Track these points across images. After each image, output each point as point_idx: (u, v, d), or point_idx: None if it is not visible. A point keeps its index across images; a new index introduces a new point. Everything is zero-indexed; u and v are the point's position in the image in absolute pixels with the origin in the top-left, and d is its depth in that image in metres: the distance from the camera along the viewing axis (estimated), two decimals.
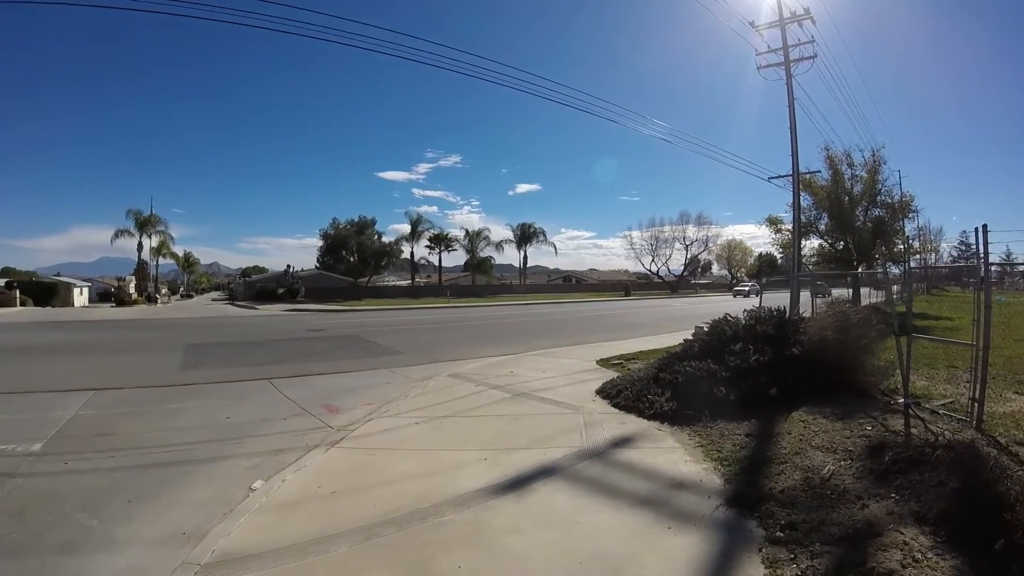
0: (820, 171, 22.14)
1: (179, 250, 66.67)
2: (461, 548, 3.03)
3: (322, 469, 4.41)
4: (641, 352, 10.52)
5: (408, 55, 10.81)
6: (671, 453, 4.60)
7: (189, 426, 5.88)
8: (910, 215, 27.38)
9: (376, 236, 55.26)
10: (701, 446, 4.72)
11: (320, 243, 58.21)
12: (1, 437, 5.32)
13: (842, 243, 23.80)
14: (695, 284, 76.52)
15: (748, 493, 3.63)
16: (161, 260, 60.07)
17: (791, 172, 16.03)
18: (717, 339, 6.86)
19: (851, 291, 18.85)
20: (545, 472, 4.20)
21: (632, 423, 5.60)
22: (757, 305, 8.09)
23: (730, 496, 3.63)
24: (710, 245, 74.84)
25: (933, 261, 49.30)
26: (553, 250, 77.71)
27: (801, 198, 17.59)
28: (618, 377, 7.48)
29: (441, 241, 62.64)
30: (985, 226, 4.77)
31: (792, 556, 2.86)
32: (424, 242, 61.78)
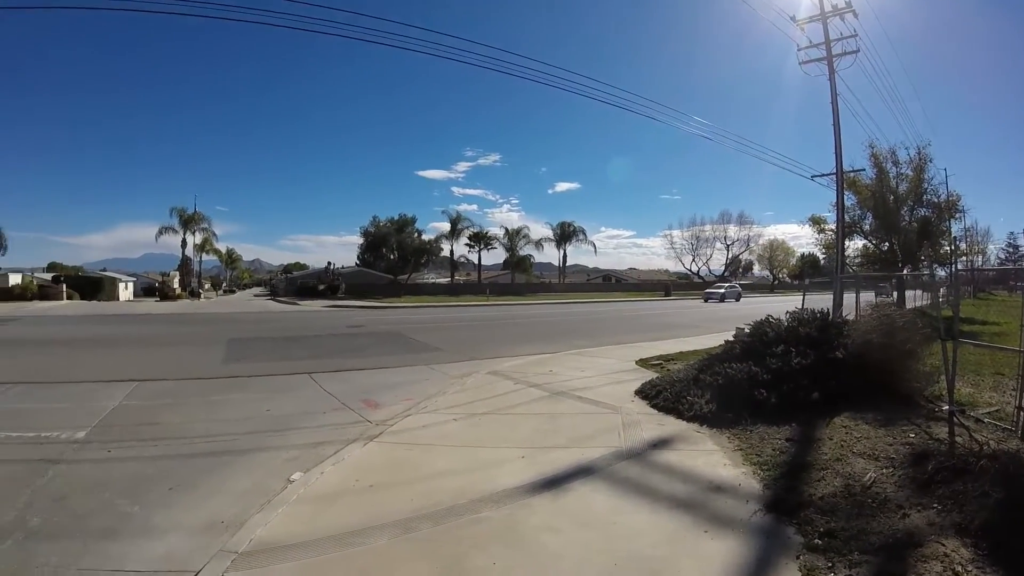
0: (864, 169, 21.34)
1: (222, 247, 69.24)
2: (496, 545, 3.06)
3: (360, 463, 4.51)
4: (681, 353, 10.41)
5: (459, 56, 10.82)
6: (710, 456, 4.54)
7: (230, 418, 6.07)
8: (957, 215, 26.14)
9: (416, 234, 55.53)
10: (740, 449, 4.64)
11: (361, 240, 58.78)
12: (46, 425, 5.56)
13: (887, 244, 22.92)
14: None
15: (787, 499, 3.56)
16: (204, 256, 62.56)
17: (835, 170, 15.42)
18: (759, 341, 6.71)
19: (895, 294, 18.15)
20: (582, 472, 4.19)
21: (671, 424, 5.55)
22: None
23: (769, 501, 3.56)
24: (751, 245, 73.69)
25: (980, 263, 47.10)
26: (592, 249, 76.70)
27: (845, 197, 17.01)
28: (657, 378, 7.40)
29: (480, 239, 62.45)
30: None
31: (830, 565, 2.79)
32: (463, 240, 61.78)
